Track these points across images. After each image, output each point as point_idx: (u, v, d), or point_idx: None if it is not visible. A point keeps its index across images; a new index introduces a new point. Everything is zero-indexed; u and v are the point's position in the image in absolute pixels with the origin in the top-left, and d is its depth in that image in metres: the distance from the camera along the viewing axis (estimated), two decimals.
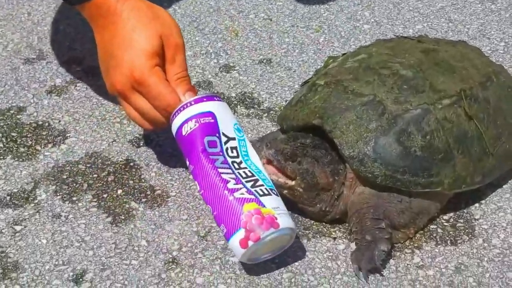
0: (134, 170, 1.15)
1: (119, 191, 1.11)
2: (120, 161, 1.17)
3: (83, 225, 1.05)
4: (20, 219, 1.05)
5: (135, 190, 1.12)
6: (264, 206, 0.94)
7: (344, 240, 1.03)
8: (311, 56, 1.43)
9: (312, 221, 1.06)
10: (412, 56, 1.11)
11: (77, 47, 1.44)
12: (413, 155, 1.00)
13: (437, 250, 1.01)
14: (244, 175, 0.97)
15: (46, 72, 1.36)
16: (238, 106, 1.29)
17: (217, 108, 1.01)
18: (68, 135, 1.22)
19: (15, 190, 1.10)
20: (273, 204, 0.95)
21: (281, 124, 1.12)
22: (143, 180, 1.14)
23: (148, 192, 1.11)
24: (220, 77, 1.37)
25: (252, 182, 0.96)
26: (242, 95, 1.32)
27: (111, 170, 1.15)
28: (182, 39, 1.05)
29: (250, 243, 0.93)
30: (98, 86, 1.33)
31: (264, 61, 1.42)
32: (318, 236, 1.04)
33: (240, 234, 0.93)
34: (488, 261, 1.00)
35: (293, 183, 1.00)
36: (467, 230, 1.05)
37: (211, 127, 0.99)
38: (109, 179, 1.14)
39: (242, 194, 0.94)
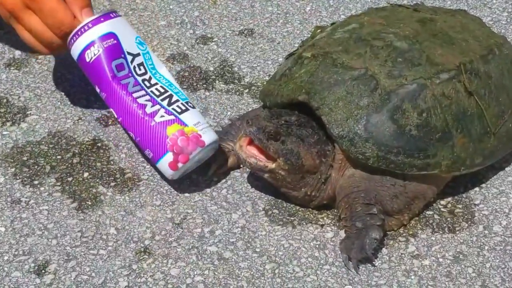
0: (102, 151, 1.14)
1: (86, 174, 1.10)
2: (87, 141, 1.15)
3: (45, 212, 1.03)
4: None
5: (103, 173, 1.10)
6: (186, 125, 1.02)
7: (333, 227, 1.02)
8: (297, 26, 1.41)
9: (298, 207, 1.05)
10: (408, 26, 1.09)
11: None
12: (408, 134, 0.99)
13: (433, 238, 1.01)
14: (157, 93, 1.04)
15: (4, 43, 1.34)
16: (217, 81, 1.28)
17: (117, 26, 1.05)
18: (29, 112, 1.20)
19: None
20: (194, 120, 1.03)
21: (264, 100, 1.10)
22: (111, 162, 1.12)
23: (118, 175, 1.10)
24: (196, 50, 1.35)
25: (167, 100, 1.03)
26: (221, 69, 1.31)
27: (76, 151, 1.13)
28: None
29: (180, 164, 1.02)
30: (62, 59, 1.30)
31: (245, 32, 1.40)
32: (304, 223, 1.03)
33: (168, 157, 1.01)
34: (489, 250, 0.99)
35: (273, 165, 0.99)
36: (466, 217, 1.04)
37: (116, 49, 1.04)
38: (74, 161, 1.12)
39: (162, 116, 1.02)
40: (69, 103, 1.22)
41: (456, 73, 1.03)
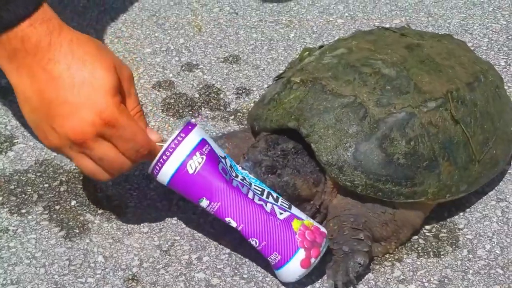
0: (89, 179, 1.14)
1: (73, 202, 1.10)
2: (74, 169, 1.16)
3: (33, 240, 1.04)
4: None
5: (91, 201, 1.11)
6: (301, 219, 0.96)
7: None
8: (281, 53, 1.43)
9: None
10: (395, 52, 1.11)
11: None
12: (396, 162, 1.00)
13: (419, 263, 1.02)
14: (259, 192, 0.97)
15: None
16: (203, 108, 1.29)
17: (202, 133, 0.98)
18: (16, 141, 1.21)
19: None
20: (302, 213, 0.98)
21: (252, 124, 1.11)
22: (99, 190, 1.13)
23: (105, 203, 1.11)
24: (182, 76, 1.37)
25: (271, 197, 0.97)
26: (206, 96, 1.32)
27: (63, 179, 1.14)
28: (130, 69, 0.97)
29: (313, 260, 0.95)
30: None
31: (230, 58, 1.42)
32: None
33: (300, 254, 0.94)
34: (474, 273, 1.01)
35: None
36: (450, 241, 1.06)
37: (213, 154, 0.96)
38: (62, 189, 1.13)
39: (281, 213, 0.95)
40: None
41: (443, 101, 1.05)
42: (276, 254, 0.95)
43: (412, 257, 1.03)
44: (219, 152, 0.98)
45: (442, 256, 1.03)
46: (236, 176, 0.97)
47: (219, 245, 1.04)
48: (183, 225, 1.07)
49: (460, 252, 1.04)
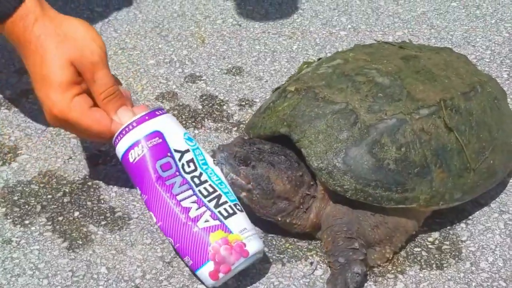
0: (92, 190, 1.15)
1: (76, 214, 1.11)
2: (77, 180, 1.16)
3: (36, 251, 1.04)
4: None
5: (94, 212, 1.11)
6: (231, 232, 0.96)
7: (322, 264, 1.04)
8: (284, 64, 1.44)
9: (288, 245, 1.07)
10: (391, 62, 1.12)
11: None
12: (386, 168, 1.01)
13: (421, 275, 1.03)
14: (205, 193, 0.98)
15: None
16: (206, 120, 1.30)
17: (163, 124, 1.01)
18: (19, 152, 1.21)
19: None
20: (240, 226, 0.97)
21: (248, 132, 1.12)
22: (102, 201, 1.13)
23: (108, 214, 1.11)
24: (185, 88, 1.37)
25: (215, 201, 0.97)
26: (210, 107, 1.33)
27: (67, 190, 1.14)
28: (98, 54, 1.03)
29: (221, 275, 0.95)
30: None
31: (233, 70, 1.42)
32: (293, 261, 1.04)
33: (209, 266, 0.95)
34: (476, 286, 1.01)
35: (250, 185, 1.01)
36: (453, 253, 1.06)
37: (161, 148, 0.99)
38: (65, 200, 1.13)
39: (207, 221, 0.96)
40: (59, 142, 1.24)
41: (436, 109, 1.05)
42: (188, 258, 0.96)
43: (415, 269, 1.03)
44: (179, 145, 1.00)
45: (445, 269, 1.03)
46: (192, 171, 0.99)
47: None
48: None
49: (463, 264, 1.04)
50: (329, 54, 1.45)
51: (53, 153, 1.21)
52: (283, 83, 1.33)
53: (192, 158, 1.00)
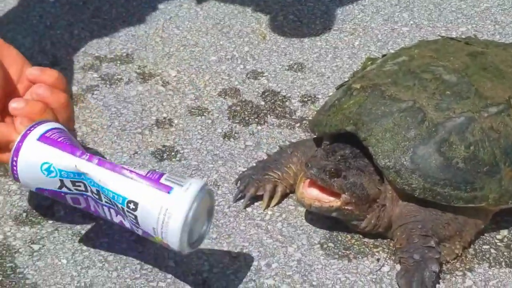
0: None
1: None
2: None
3: (105, 244, 1.06)
4: (38, 237, 1.07)
5: None
6: (153, 235, 0.91)
7: (388, 261, 1.04)
8: (346, 61, 1.44)
9: (353, 241, 1.07)
10: (457, 59, 1.11)
11: (92, 52, 1.45)
12: (455, 167, 1.00)
13: (490, 273, 1.02)
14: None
15: None
16: (268, 116, 1.30)
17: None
18: (87, 147, 1.23)
19: (32, 206, 1.11)
20: (149, 227, 0.90)
21: (313, 130, 1.13)
22: None
23: None
24: (247, 84, 1.38)
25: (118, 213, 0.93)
26: (272, 104, 1.33)
27: None
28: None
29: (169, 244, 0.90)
30: (116, 94, 1.34)
31: (295, 66, 1.43)
32: (360, 257, 1.04)
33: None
34: None
35: (339, 203, 1.01)
36: None
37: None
38: None
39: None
40: (125, 137, 1.25)
41: (505, 106, 1.04)
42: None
43: (484, 267, 1.02)
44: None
45: None
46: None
47: (287, 252, 1.05)
48: (251, 232, 1.08)
49: None
50: (391, 51, 1.44)
51: (119, 148, 1.23)
52: (346, 79, 1.34)
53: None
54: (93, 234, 1.08)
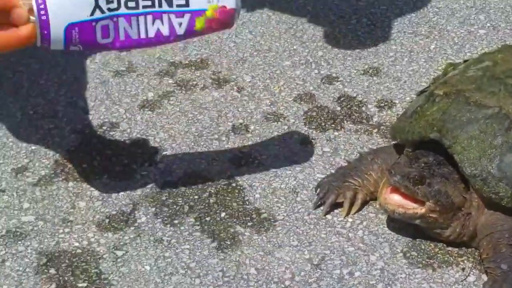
0: (237, 191, 1.17)
1: (223, 214, 1.13)
2: (222, 181, 1.18)
3: (187, 251, 1.07)
4: (121, 243, 1.08)
5: (240, 213, 1.13)
6: (204, 10, 0.96)
7: (474, 270, 1.02)
8: (422, 65, 1.42)
9: (437, 250, 1.05)
10: None
11: (167, 58, 1.46)
12: None
13: None
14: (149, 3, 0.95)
15: (137, 86, 1.39)
16: (345, 121, 1.29)
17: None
18: (165, 153, 1.24)
19: (114, 213, 1.13)
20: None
21: (394, 137, 1.12)
22: (247, 202, 1.15)
23: (254, 216, 1.12)
24: (322, 89, 1.37)
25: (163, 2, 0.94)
26: (348, 109, 1.32)
27: (212, 191, 1.17)
28: None
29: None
30: (192, 100, 1.35)
31: (370, 71, 1.42)
32: (444, 266, 1.03)
33: None
34: None
35: (423, 210, 1.00)
36: None
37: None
38: (211, 200, 1.15)
39: (180, 24, 0.95)
40: (202, 143, 1.26)
41: None
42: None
43: None
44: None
45: None
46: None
47: (370, 261, 1.04)
48: (333, 239, 1.08)
49: None
50: (468, 54, 1.42)
51: (197, 154, 1.24)
52: (423, 84, 1.32)
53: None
54: (175, 241, 1.08)
